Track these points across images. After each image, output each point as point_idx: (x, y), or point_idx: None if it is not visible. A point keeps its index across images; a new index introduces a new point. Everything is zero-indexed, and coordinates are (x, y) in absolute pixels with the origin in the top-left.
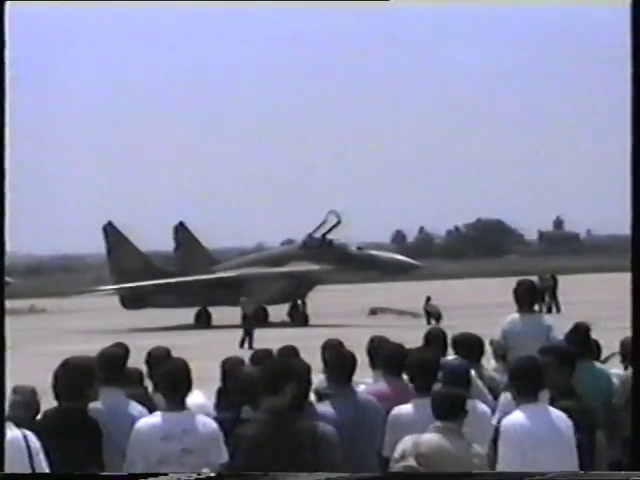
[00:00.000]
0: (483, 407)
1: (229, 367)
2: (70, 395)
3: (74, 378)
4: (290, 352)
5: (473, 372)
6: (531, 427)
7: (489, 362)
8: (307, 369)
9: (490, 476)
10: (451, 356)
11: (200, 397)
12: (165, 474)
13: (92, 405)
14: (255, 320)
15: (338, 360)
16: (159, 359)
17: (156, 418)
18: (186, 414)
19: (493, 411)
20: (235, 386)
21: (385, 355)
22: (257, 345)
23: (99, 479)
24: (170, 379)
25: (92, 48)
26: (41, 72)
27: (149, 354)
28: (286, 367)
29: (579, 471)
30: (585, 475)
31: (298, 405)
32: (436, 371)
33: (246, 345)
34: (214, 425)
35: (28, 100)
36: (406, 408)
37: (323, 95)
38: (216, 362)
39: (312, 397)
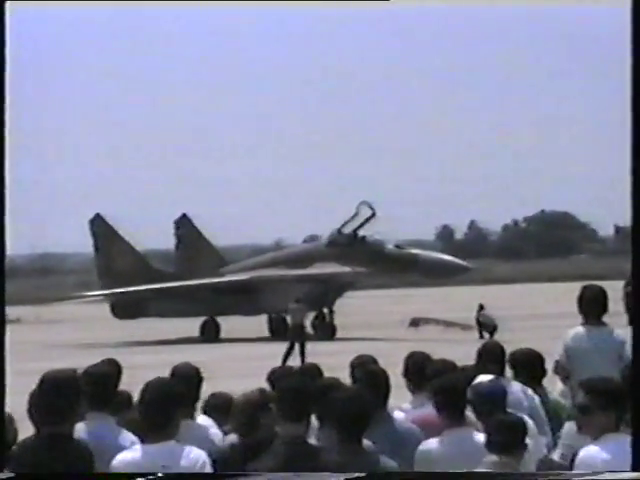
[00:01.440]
0: (542, 440)
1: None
2: (50, 418)
3: (55, 396)
4: (313, 371)
5: (535, 397)
6: (612, 464)
7: (554, 384)
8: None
9: (490, 476)
10: (484, 375)
11: (206, 423)
12: (165, 474)
13: (75, 433)
14: (304, 332)
15: (370, 380)
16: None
17: (134, 453)
18: (170, 446)
19: (555, 443)
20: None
21: (429, 375)
22: (270, 363)
23: (99, 479)
24: (151, 404)
25: (92, 48)
26: (41, 72)
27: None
28: (309, 389)
29: (579, 471)
30: (585, 475)
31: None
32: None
33: (296, 361)
34: (202, 458)
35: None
36: (436, 442)
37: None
38: (226, 383)
39: None
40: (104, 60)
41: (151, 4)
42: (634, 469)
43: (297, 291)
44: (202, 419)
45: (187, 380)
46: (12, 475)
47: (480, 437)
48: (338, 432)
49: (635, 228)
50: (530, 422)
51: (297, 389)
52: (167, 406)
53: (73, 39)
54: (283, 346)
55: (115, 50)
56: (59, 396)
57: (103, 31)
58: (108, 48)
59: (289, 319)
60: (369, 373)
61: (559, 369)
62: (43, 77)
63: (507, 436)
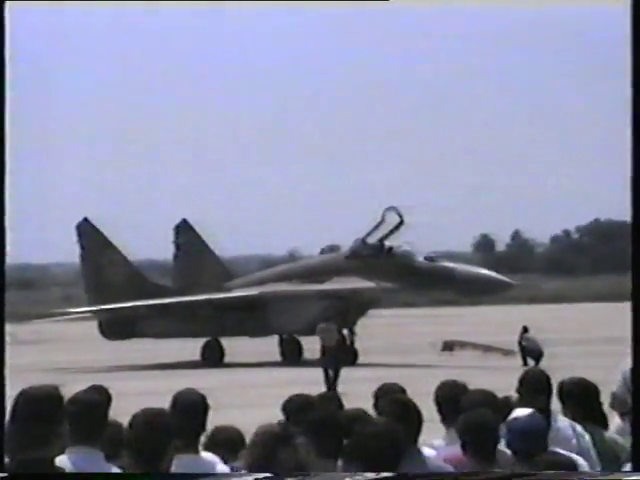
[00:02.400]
0: None
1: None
2: (28, 442)
3: (33, 417)
4: (333, 401)
5: (586, 434)
6: None
7: (611, 420)
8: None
9: (490, 476)
10: (522, 409)
11: (212, 459)
12: (165, 474)
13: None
14: (339, 354)
15: (400, 412)
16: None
17: None
18: None
19: None
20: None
21: (464, 407)
22: (281, 391)
23: (99, 479)
24: (138, 437)
25: (92, 51)
26: (41, 72)
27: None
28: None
29: (579, 471)
30: (584, 475)
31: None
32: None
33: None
34: None
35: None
36: None
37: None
38: (231, 413)
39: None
40: (105, 63)
41: (151, 4)
42: (634, 469)
43: (313, 309)
44: (207, 455)
45: (191, 409)
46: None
47: None
48: (366, 470)
49: (635, 228)
50: (582, 462)
51: (331, 422)
52: (156, 439)
53: (72, 41)
54: (296, 372)
55: (116, 52)
56: (38, 416)
57: (103, 33)
58: (109, 51)
59: (320, 341)
60: (398, 404)
61: (616, 402)
62: (41, 78)
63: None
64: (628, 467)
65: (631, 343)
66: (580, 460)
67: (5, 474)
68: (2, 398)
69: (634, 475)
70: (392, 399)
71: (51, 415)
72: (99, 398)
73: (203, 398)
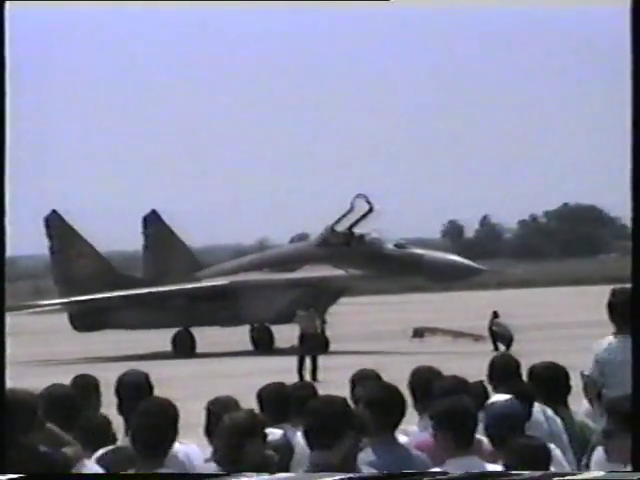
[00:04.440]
0: (565, 468)
1: (218, 410)
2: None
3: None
4: (308, 389)
5: (557, 419)
6: None
7: (579, 403)
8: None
9: (490, 476)
10: (499, 395)
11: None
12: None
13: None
14: (315, 342)
15: (379, 396)
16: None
17: None
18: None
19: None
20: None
21: (436, 394)
22: (253, 380)
23: (99, 479)
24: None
25: (90, 48)
26: (41, 72)
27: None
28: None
29: (578, 471)
30: (584, 475)
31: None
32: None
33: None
34: None
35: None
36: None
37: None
38: (204, 402)
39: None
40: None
41: (151, 4)
42: (634, 469)
43: (284, 297)
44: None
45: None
46: (12, 476)
47: (490, 467)
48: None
49: (635, 228)
50: (554, 448)
51: (329, 413)
52: (164, 431)
53: (74, 40)
54: (268, 361)
55: (94, 48)
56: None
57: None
58: (90, 49)
59: (299, 329)
60: (378, 388)
61: (588, 386)
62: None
63: (530, 463)
64: (598, 451)
65: (631, 341)
66: (553, 448)
67: (5, 475)
68: (2, 396)
69: (634, 475)
70: (373, 384)
71: (25, 418)
72: (72, 391)
73: (146, 377)
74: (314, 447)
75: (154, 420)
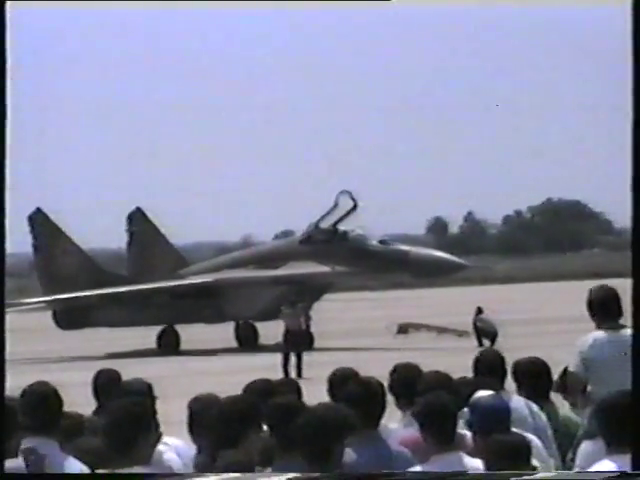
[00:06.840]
0: (550, 462)
1: (199, 408)
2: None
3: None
4: (292, 387)
5: (542, 413)
6: None
7: (563, 398)
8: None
9: (489, 476)
10: (484, 391)
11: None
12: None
13: (10, 463)
14: (300, 338)
15: (357, 392)
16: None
17: None
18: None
19: (566, 466)
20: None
21: (420, 390)
22: (238, 377)
23: (99, 479)
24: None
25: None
26: (41, 71)
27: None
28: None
29: (578, 471)
30: (584, 475)
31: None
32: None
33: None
34: None
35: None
36: (421, 470)
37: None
38: (186, 401)
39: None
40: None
41: (151, 4)
42: (634, 469)
43: (268, 294)
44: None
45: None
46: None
47: (474, 462)
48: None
49: (635, 228)
50: (537, 442)
51: (324, 424)
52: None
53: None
54: (253, 358)
55: (90, 47)
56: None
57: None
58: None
59: (283, 325)
60: (362, 386)
61: (572, 381)
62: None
63: (510, 459)
64: (584, 445)
65: (631, 343)
66: (536, 440)
67: (5, 474)
68: (2, 396)
69: (635, 475)
70: (360, 381)
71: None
72: (53, 388)
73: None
74: (222, 447)
75: (116, 419)
